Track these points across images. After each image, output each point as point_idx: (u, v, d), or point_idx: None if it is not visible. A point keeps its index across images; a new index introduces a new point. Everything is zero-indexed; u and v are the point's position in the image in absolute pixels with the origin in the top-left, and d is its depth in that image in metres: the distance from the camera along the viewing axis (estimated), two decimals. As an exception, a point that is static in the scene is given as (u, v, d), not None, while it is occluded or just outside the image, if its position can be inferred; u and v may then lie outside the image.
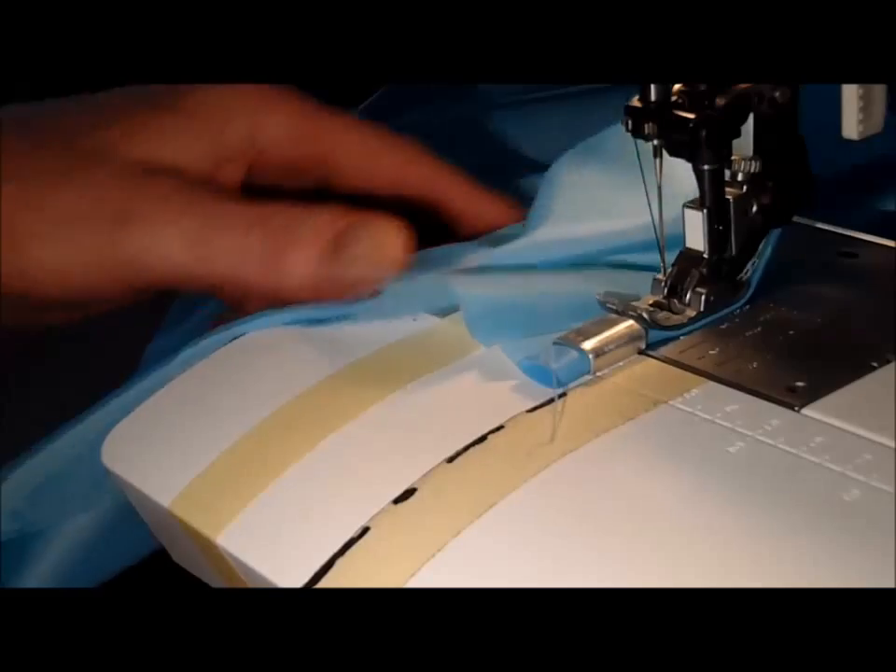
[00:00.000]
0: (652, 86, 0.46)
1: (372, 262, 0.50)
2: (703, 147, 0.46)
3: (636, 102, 0.46)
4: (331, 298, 0.51)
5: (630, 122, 0.46)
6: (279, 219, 0.51)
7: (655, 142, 0.46)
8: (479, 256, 0.52)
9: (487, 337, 0.48)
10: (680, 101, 0.46)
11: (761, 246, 0.49)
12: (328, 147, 0.56)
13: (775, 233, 0.49)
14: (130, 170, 0.52)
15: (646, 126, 0.46)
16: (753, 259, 0.49)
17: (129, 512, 0.50)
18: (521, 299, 0.49)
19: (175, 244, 0.51)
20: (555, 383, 0.44)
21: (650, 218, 0.48)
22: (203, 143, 0.54)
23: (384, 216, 0.51)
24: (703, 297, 0.47)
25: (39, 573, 0.51)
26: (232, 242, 0.51)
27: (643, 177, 0.47)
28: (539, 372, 0.45)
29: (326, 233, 0.51)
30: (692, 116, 0.45)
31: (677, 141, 0.46)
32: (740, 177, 0.48)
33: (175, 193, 0.52)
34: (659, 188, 0.47)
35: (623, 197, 0.51)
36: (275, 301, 0.52)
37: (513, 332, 0.47)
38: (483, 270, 0.51)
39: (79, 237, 0.51)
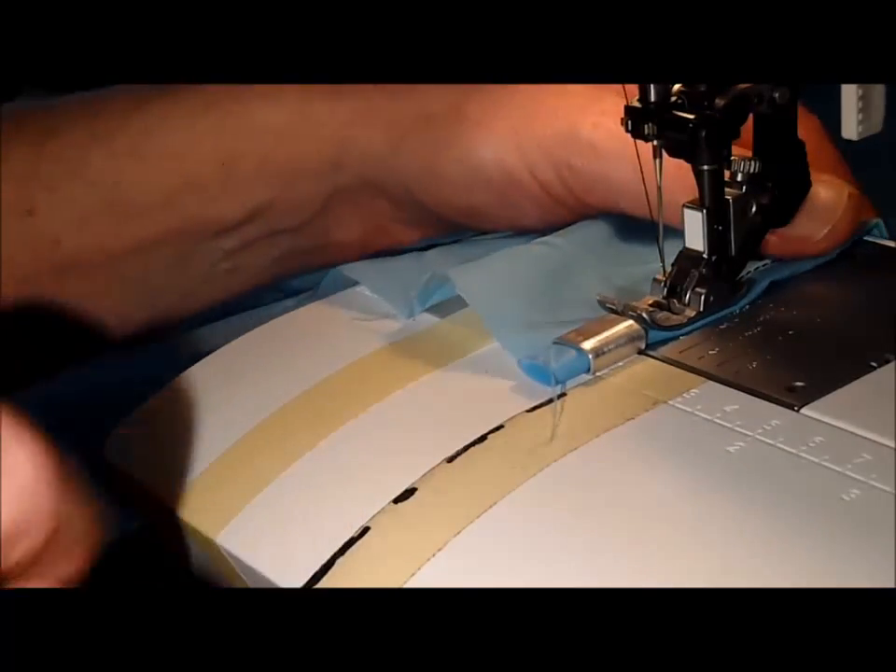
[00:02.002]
0: (652, 86, 0.46)
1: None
2: (702, 147, 0.46)
3: (635, 102, 0.46)
4: None
5: (630, 123, 0.46)
6: None
7: (655, 142, 0.46)
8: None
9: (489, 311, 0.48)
10: (680, 101, 0.46)
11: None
12: None
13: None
14: None
15: (646, 127, 0.46)
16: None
17: None
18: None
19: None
20: (554, 382, 0.44)
21: None
22: None
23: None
24: (702, 297, 0.47)
25: None
26: None
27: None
28: (538, 372, 0.45)
29: None
30: (691, 116, 0.45)
31: (676, 141, 0.46)
32: (739, 178, 0.48)
33: None
34: (659, 188, 0.47)
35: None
36: None
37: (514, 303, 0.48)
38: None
39: None
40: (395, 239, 0.58)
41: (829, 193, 0.50)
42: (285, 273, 0.59)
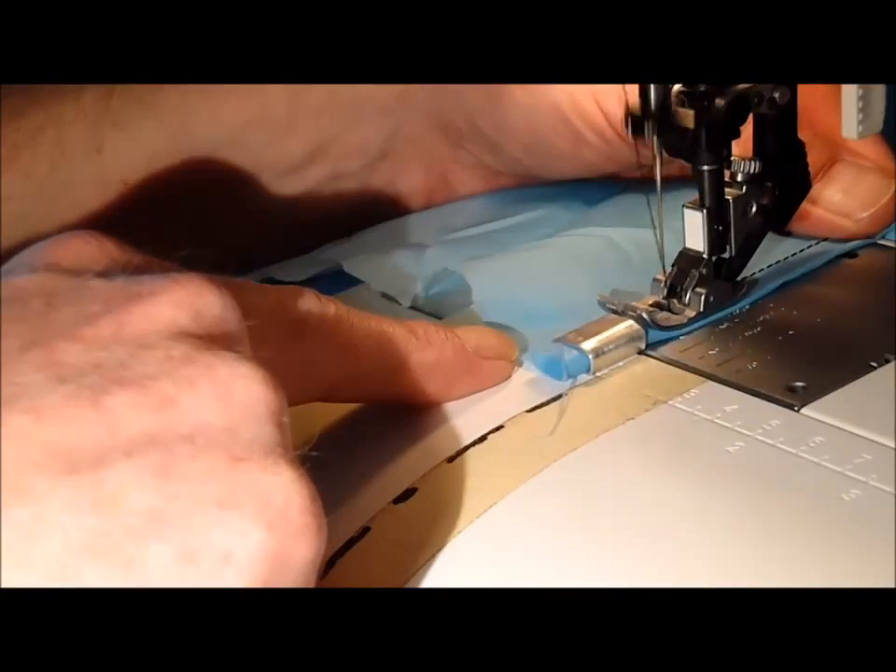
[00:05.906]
0: (652, 89, 0.46)
1: None
2: (702, 147, 0.46)
3: (636, 105, 0.46)
4: None
5: (630, 125, 0.46)
6: None
7: (655, 142, 0.46)
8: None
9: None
10: (680, 101, 0.46)
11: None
12: None
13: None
14: None
15: (646, 128, 0.46)
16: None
17: None
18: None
19: None
20: (565, 376, 0.44)
21: None
22: None
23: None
24: (702, 297, 0.47)
25: None
26: None
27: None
28: (550, 365, 0.45)
29: None
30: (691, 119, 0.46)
31: (676, 142, 0.46)
32: (740, 178, 0.48)
33: None
34: (659, 190, 0.47)
35: None
36: None
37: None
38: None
39: None
40: (457, 190, 0.58)
41: (878, 179, 0.50)
42: (350, 226, 0.58)
